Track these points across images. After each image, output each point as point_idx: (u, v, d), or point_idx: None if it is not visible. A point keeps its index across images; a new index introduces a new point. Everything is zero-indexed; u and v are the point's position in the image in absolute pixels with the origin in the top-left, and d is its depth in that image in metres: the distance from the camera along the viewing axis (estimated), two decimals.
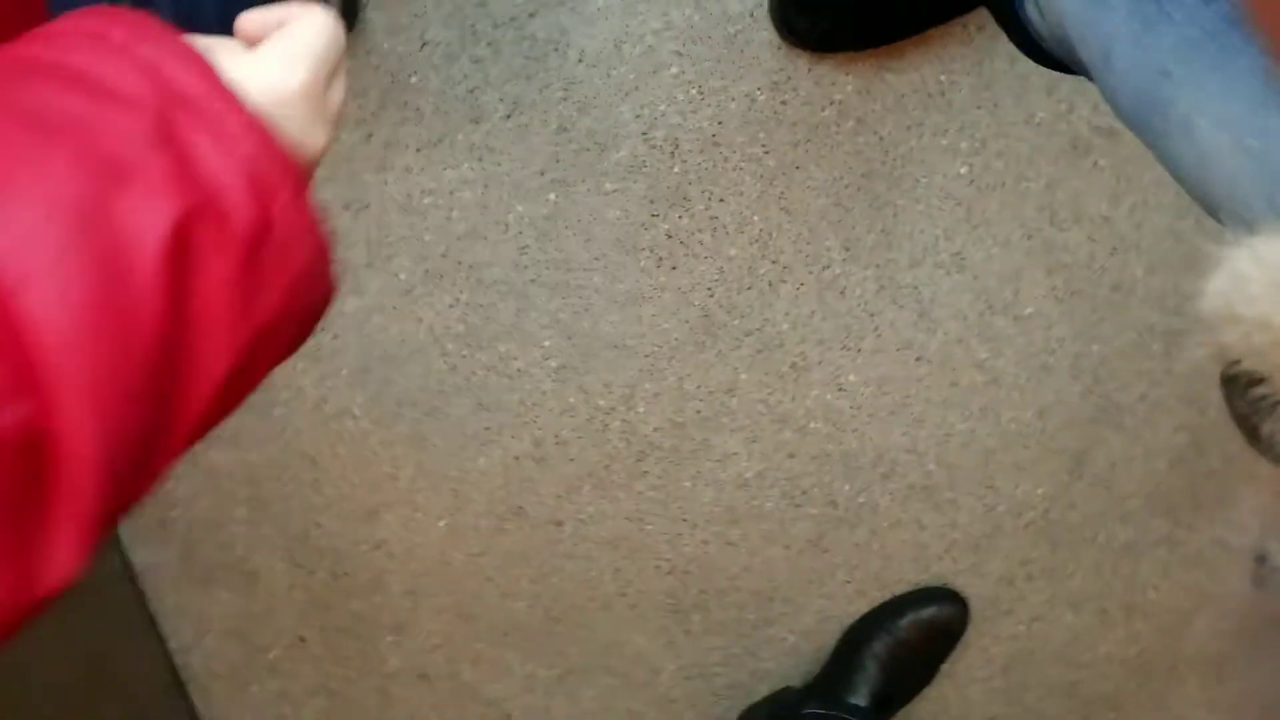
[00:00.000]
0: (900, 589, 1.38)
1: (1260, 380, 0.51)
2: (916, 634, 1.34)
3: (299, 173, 0.42)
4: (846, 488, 1.34)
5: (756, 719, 1.36)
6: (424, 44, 1.13)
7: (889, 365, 1.29)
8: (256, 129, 0.39)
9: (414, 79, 1.14)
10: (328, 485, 1.27)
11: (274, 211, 0.39)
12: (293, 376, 1.24)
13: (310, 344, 1.29)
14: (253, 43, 0.44)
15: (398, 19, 1.12)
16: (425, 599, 1.33)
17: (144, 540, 1.27)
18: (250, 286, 0.38)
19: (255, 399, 1.36)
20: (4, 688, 1.08)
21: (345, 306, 1.22)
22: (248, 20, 0.44)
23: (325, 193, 1.17)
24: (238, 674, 1.33)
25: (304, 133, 0.43)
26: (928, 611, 1.34)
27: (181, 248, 0.35)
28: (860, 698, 1.29)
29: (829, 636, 1.39)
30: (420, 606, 1.33)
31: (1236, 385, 0.52)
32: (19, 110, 0.35)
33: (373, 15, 1.12)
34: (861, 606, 1.39)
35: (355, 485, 1.28)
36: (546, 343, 1.25)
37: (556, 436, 1.28)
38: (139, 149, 0.35)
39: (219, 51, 0.41)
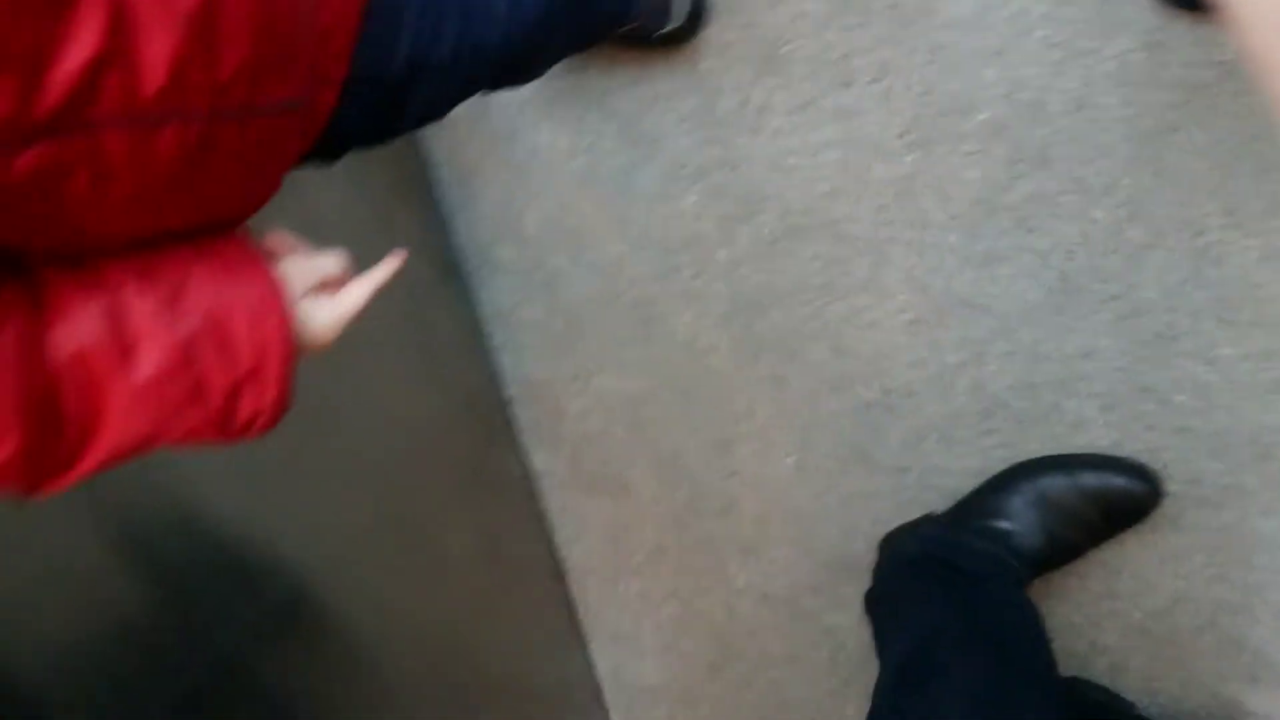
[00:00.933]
0: (1273, 579, 1.28)
1: None
2: (1100, 498, 1.22)
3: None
4: (1214, 466, 1.26)
5: (905, 550, 1.30)
6: (800, 15, 1.20)
7: (1270, 339, 1.20)
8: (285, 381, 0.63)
9: (788, 48, 1.22)
10: (694, 415, 1.41)
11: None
12: (669, 316, 1.38)
13: (685, 288, 1.42)
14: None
15: None
16: (772, 527, 1.43)
17: (542, 446, 1.48)
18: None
19: (637, 331, 1.54)
20: (416, 552, 1.33)
21: (717, 256, 1.33)
22: (327, 263, 0.68)
23: (705, 153, 1.29)
24: (608, 571, 1.52)
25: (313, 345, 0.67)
26: (1119, 481, 1.23)
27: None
28: (1013, 532, 1.22)
29: (1171, 619, 1.32)
30: (767, 534, 1.44)
31: None
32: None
33: None
34: (1221, 593, 1.31)
35: (717, 417, 1.40)
36: (901, 297, 1.29)
37: (906, 388, 1.33)
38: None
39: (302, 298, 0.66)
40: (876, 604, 1.31)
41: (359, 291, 0.68)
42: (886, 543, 1.36)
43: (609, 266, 1.39)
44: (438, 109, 0.85)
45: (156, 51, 0.50)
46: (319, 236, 0.78)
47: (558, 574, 1.52)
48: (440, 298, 1.43)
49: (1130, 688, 1.38)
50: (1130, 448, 1.28)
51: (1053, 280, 1.23)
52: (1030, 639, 1.17)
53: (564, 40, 1.02)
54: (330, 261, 0.67)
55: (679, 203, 1.33)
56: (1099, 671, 1.37)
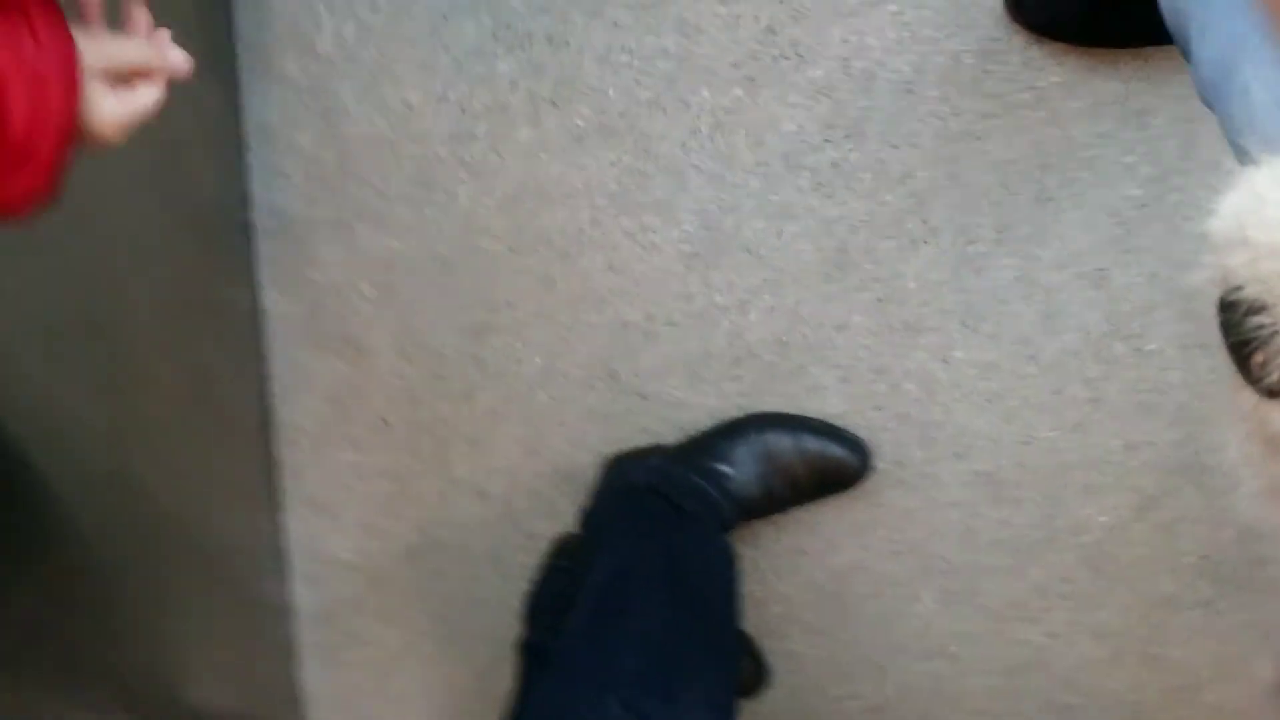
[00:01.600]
0: (940, 565, 1.39)
1: (1260, 309, 0.49)
2: (816, 462, 1.31)
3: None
4: (919, 454, 1.35)
5: (632, 477, 1.32)
6: None
7: (999, 354, 1.28)
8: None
9: None
10: (452, 292, 1.32)
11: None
12: (451, 183, 1.28)
13: (475, 158, 1.32)
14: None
15: None
16: (503, 423, 1.38)
17: (278, 286, 1.33)
18: None
19: (413, 191, 1.41)
20: (114, 365, 1.17)
21: (519, 134, 1.25)
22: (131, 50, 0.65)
23: (535, 21, 1.20)
24: (323, 435, 1.41)
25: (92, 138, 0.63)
26: (837, 450, 1.32)
27: None
28: (733, 478, 1.29)
29: (846, 583, 1.41)
30: (497, 429, 1.38)
31: (1235, 312, 0.51)
32: None
33: None
34: (894, 568, 1.41)
35: (475, 300, 1.32)
36: (688, 227, 1.27)
37: (668, 318, 1.31)
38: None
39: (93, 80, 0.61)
40: (589, 523, 1.30)
41: (152, 93, 0.66)
42: (614, 466, 1.35)
43: (400, 111, 1.26)
44: None
45: None
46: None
47: (264, 426, 1.39)
48: (200, 92, 1.24)
49: (793, 635, 1.46)
50: (854, 420, 1.33)
51: (831, 249, 1.25)
52: (721, 585, 1.21)
53: None
54: (134, 49, 0.63)
55: (494, 65, 1.22)
56: (772, 616, 1.44)
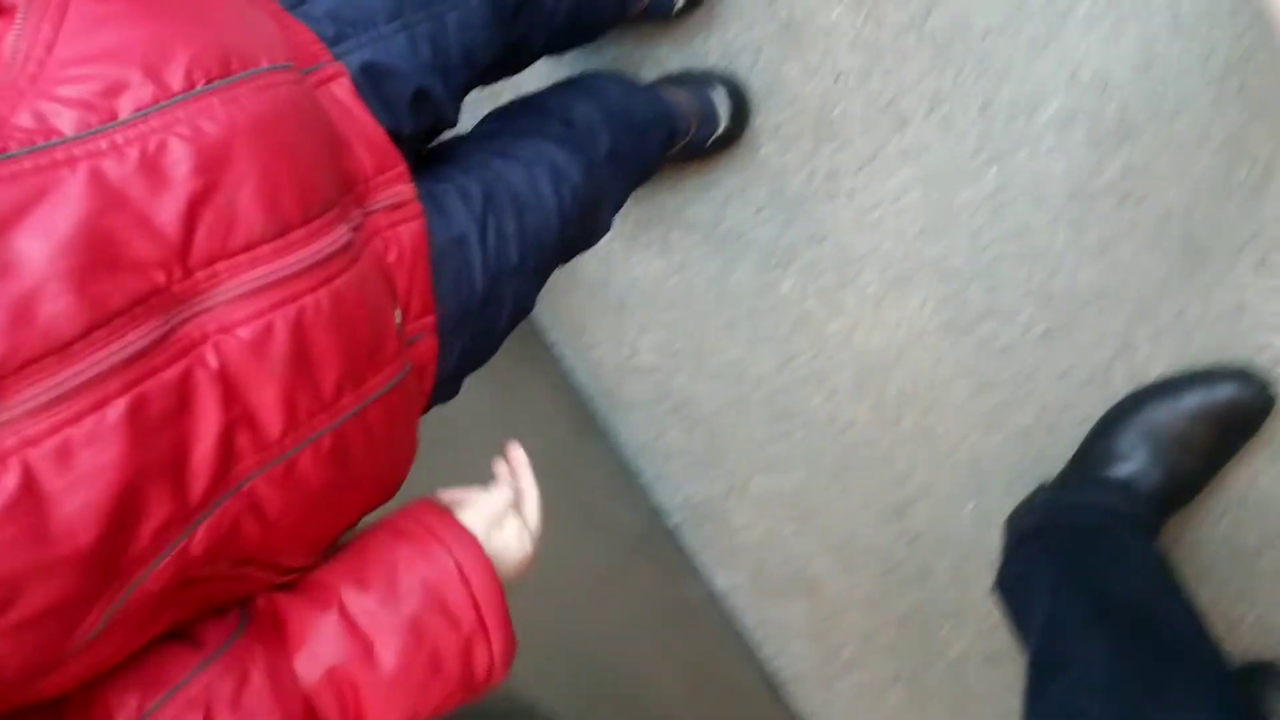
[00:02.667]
0: None
1: None
2: (1207, 415, 1.06)
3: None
4: None
5: (1022, 526, 1.14)
6: (838, 77, 1.17)
7: None
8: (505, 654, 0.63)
9: (837, 110, 1.19)
10: (855, 491, 1.32)
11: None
12: (802, 403, 1.31)
13: (811, 369, 1.35)
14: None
15: (809, 62, 1.17)
16: (972, 583, 1.31)
17: (720, 565, 1.40)
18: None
19: (776, 427, 1.46)
20: (628, 706, 1.24)
21: (830, 329, 1.27)
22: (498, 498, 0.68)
23: (790, 235, 1.25)
24: (822, 672, 1.40)
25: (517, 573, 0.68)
26: (1225, 391, 1.06)
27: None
28: (1130, 475, 1.05)
29: None
30: (968, 591, 1.31)
31: None
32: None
33: (787, 68, 1.19)
34: None
35: (879, 486, 1.31)
36: (1027, 312, 1.20)
37: (1061, 401, 1.22)
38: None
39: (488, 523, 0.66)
40: (1007, 593, 1.13)
41: (531, 504, 0.70)
42: (1006, 528, 1.21)
43: (731, 372, 1.34)
44: (526, 305, 0.83)
45: (267, 400, 0.51)
46: (457, 437, 0.77)
47: (772, 688, 1.41)
48: (583, 452, 1.39)
49: None
50: None
51: (1176, 245, 1.13)
52: (1165, 603, 1.00)
53: (620, 188, 1.00)
54: (499, 496, 0.69)
55: (778, 290, 1.28)
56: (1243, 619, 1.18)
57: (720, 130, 1.20)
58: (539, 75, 1.25)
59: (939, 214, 1.19)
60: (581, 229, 0.91)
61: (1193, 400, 1.10)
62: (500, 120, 0.93)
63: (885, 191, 1.20)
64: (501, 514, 0.67)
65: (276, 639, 0.58)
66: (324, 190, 0.57)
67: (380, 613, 0.59)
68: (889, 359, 1.26)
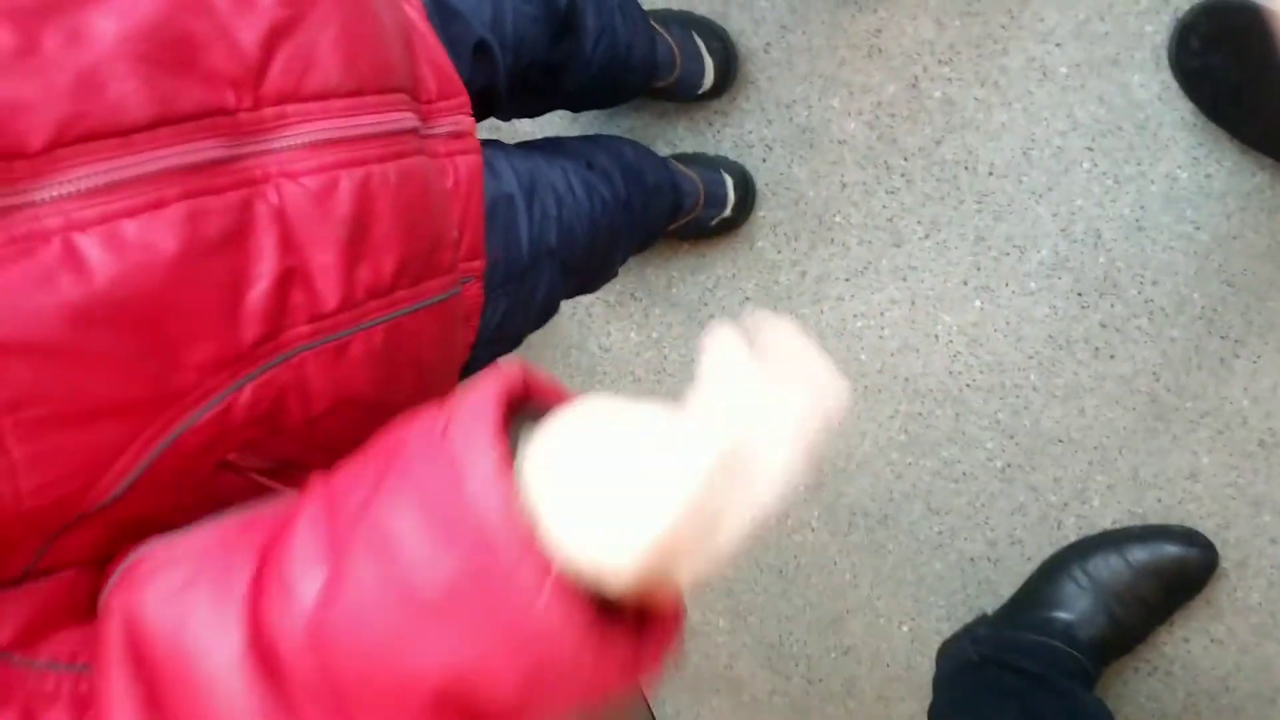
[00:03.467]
0: None
1: None
2: (1154, 570, 1.07)
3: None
4: None
5: (960, 657, 1.13)
6: (844, 186, 1.18)
7: None
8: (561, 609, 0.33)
9: (838, 217, 1.19)
10: (795, 595, 1.29)
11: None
12: None
13: None
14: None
15: (818, 168, 1.18)
16: (895, 704, 1.28)
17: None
18: None
19: None
20: None
21: None
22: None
23: None
24: None
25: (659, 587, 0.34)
26: (1172, 549, 1.08)
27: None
28: (1072, 621, 1.05)
29: None
30: (891, 711, 1.28)
31: None
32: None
33: (796, 169, 1.19)
34: None
35: (819, 593, 1.28)
36: (989, 444, 1.20)
37: (1010, 536, 1.22)
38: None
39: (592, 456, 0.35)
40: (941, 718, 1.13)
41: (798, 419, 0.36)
42: (943, 652, 1.20)
43: None
44: (554, 300, 0.81)
45: (325, 262, 0.48)
46: None
47: None
48: None
49: None
50: (1256, 565, 1.15)
51: (1142, 404, 1.15)
52: None
53: (628, 241, 0.99)
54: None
55: None
56: None
57: (724, 215, 1.19)
58: (555, 129, 1.24)
59: (920, 334, 1.20)
60: (598, 259, 0.89)
61: (1142, 554, 1.11)
62: (529, 146, 0.92)
63: (871, 303, 1.20)
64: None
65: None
66: (398, 70, 0.55)
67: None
68: (850, 467, 1.25)
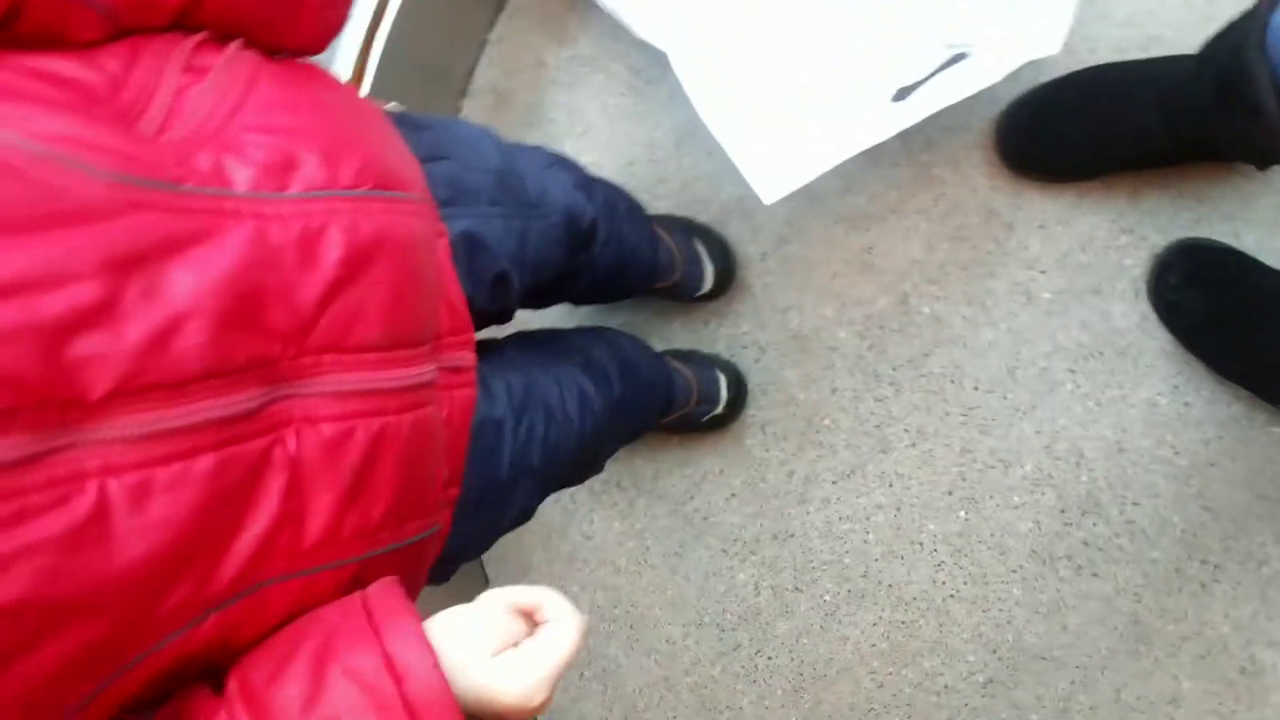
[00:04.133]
0: None
1: None
2: None
3: None
4: None
5: None
6: (834, 390, 1.19)
7: None
8: None
9: (827, 421, 1.20)
10: None
11: None
12: (732, 697, 1.24)
13: (746, 667, 1.29)
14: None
15: (809, 372, 1.20)
16: None
17: None
18: None
19: (706, 717, 1.36)
20: None
21: (776, 629, 1.23)
22: (515, 595, 0.52)
23: (756, 526, 1.23)
24: None
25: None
26: None
27: None
28: None
29: None
30: None
31: None
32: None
33: (787, 372, 1.21)
34: None
35: None
36: (971, 657, 1.18)
37: None
38: None
39: (471, 646, 0.48)
40: None
41: (557, 638, 0.50)
42: None
43: (665, 651, 1.27)
44: (527, 511, 0.79)
45: (322, 505, 0.48)
46: None
47: None
48: None
49: None
50: None
51: (1124, 624, 1.14)
52: None
53: (618, 437, 0.99)
54: (531, 592, 0.52)
55: (734, 577, 1.24)
56: None
57: (716, 412, 1.19)
58: (556, 318, 1.25)
59: (905, 541, 1.19)
60: (585, 461, 0.88)
61: None
62: (529, 339, 0.91)
63: (857, 507, 1.20)
64: (502, 634, 0.49)
65: None
66: (428, 324, 0.57)
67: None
68: (830, 673, 1.21)
